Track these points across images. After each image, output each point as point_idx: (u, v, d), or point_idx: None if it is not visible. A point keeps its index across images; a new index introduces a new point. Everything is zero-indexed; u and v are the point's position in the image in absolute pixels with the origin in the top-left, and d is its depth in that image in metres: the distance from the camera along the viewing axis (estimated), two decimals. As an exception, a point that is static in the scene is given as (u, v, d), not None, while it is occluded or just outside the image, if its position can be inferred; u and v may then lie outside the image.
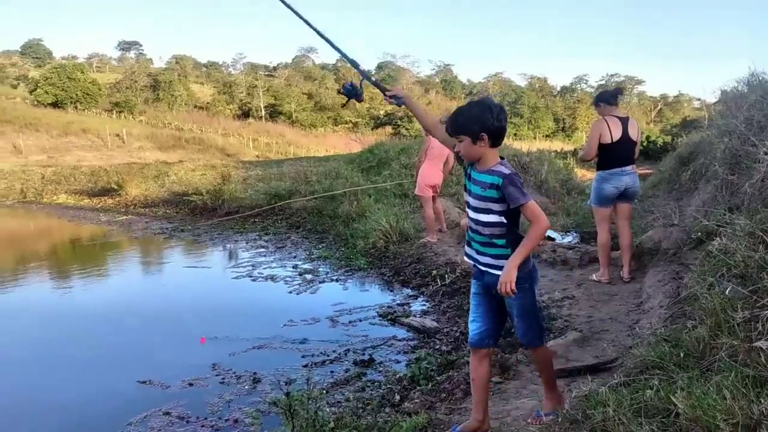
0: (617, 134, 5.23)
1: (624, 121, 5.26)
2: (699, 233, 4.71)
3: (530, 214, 2.45)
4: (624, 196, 5.39)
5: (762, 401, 1.79)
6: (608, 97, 5.43)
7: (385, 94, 2.75)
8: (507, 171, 2.47)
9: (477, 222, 2.59)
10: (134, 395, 4.17)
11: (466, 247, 2.76)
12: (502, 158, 2.55)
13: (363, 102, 2.88)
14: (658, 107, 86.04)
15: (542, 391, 3.21)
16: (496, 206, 2.50)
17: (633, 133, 5.27)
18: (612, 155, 5.29)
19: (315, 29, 2.86)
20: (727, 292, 2.62)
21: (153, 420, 3.76)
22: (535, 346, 2.73)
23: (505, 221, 2.52)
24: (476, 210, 2.57)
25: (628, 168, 5.31)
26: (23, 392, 4.33)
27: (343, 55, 2.82)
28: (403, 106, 2.79)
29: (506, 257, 2.50)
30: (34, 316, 6.49)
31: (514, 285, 2.41)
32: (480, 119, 2.44)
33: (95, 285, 8.16)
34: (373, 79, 2.78)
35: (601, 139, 5.28)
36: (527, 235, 2.48)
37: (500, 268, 2.51)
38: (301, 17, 2.85)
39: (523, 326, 2.65)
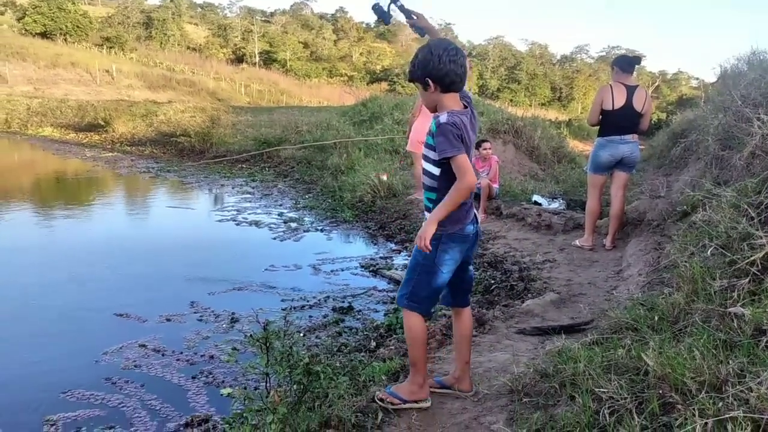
0: (620, 102, 5.15)
1: (630, 90, 5.16)
2: (684, 206, 4.73)
3: (456, 167, 2.25)
4: (621, 164, 5.35)
5: (730, 362, 1.81)
6: (623, 63, 5.28)
7: (410, 18, 2.67)
8: (444, 119, 2.27)
9: (423, 170, 2.47)
10: (111, 327, 4.18)
11: None
12: (467, 106, 2.39)
13: (391, 22, 2.77)
14: (656, 84, 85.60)
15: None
16: (431, 154, 2.37)
17: (637, 103, 5.16)
18: (612, 122, 5.22)
19: None
20: (708, 253, 2.64)
21: (128, 351, 3.77)
22: (399, 303, 2.53)
23: (436, 173, 2.37)
24: (423, 157, 2.47)
25: (628, 137, 5.24)
26: (0, 319, 4.32)
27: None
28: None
29: (429, 212, 2.41)
30: (14, 246, 6.44)
31: (428, 241, 2.25)
32: (422, 64, 2.30)
33: (77, 219, 8.09)
34: (399, 3, 2.68)
35: (603, 105, 5.22)
36: (449, 192, 2.27)
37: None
38: None
39: (404, 278, 2.51)
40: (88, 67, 40.79)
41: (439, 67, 2.28)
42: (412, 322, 2.48)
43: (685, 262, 2.94)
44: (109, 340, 3.90)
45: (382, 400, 2.53)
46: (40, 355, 3.74)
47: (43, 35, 47.08)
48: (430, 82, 2.30)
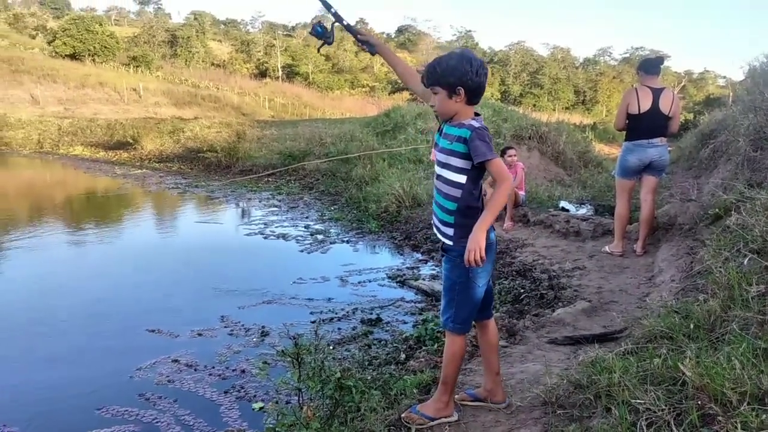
0: (646, 105, 5.08)
1: (656, 93, 5.08)
2: (717, 209, 4.63)
3: (496, 172, 2.23)
4: (650, 168, 5.26)
5: (772, 372, 1.77)
6: (647, 65, 5.22)
7: (357, 38, 2.57)
8: (477, 124, 2.27)
9: (438, 178, 2.40)
10: (143, 343, 4.24)
11: None
12: (477, 114, 2.35)
13: (331, 43, 2.64)
14: (682, 83, 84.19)
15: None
16: (458, 162, 2.30)
17: (664, 106, 5.07)
18: (639, 126, 5.15)
19: None
20: (745, 262, 2.58)
21: (161, 366, 3.82)
22: (445, 327, 2.46)
23: (461, 180, 2.32)
24: (440, 165, 2.38)
25: (656, 140, 5.15)
26: (34, 339, 4.41)
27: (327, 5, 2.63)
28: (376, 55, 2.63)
29: (450, 225, 2.35)
30: (45, 265, 6.59)
31: (483, 252, 2.15)
32: (458, 71, 2.22)
33: (107, 236, 8.24)
34: (345, 22, 2.58)
35: (629, 109, 5.15)
36: (493, 196, 2.23)
37: (445, 235, 2.38)
38: None
39: (443, 302, 2.44)
40: (115, 86, 41.70)
41: (475, 78, 2.24)
42: (457, 342, 2.44)
43: (720, 267, 2.88)
44: (142, 356, 3.96)
45: (408, 420, 2.49)
46: (75, 373, 3.81)
47: (72, 57, 48.29)
48: (462, 91, 2.25)
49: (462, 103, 2.29)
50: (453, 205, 2.35)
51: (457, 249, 2.32)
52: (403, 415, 2.51)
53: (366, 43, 2.58)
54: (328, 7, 2.58)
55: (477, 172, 2.32)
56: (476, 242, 2.16)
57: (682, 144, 11.70)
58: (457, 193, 2.34)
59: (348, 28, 2.58)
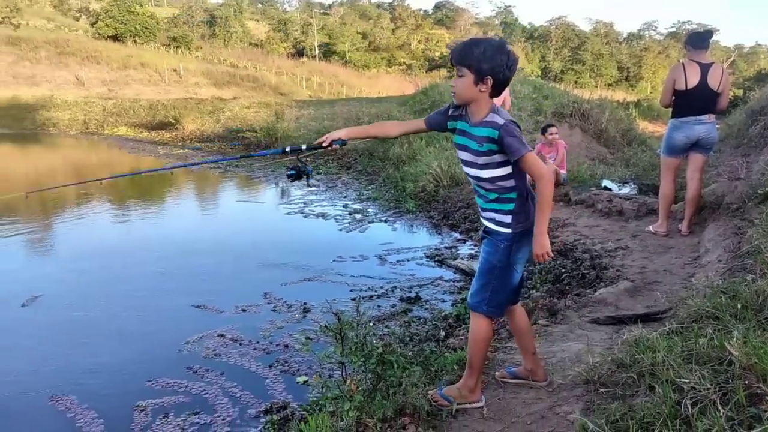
0: (694, 81, 4.92)
1: (705, 68, 4.91)
2: (766, 188, 4.50)
3: (531, 167, 2.19)
4: (697, 146, 5.11)
5: (824, 353, 1.74)
6: (695, 39, 5.02)
7: (324, 148, 2.53)
8: (501, 120, 2.19)
9: (480, 179, 2.33)
10: (190, 318, 4.39)
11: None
12: (495, 108, 2.26)
13: (311, 175, 2.71)
14: (732, 58, 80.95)
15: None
16: (498, 157, 2.24)
17: (713, 82, 4.89)
18: (686, 103, 5.00)
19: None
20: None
21: (208, 341, 3.96)
22: (478, 310, 2.39)
23: (512, 170, 2.26)
24: (479, 167, 2.30)
25: (704, 117, 4.99)
26: (92, 313, 4.60)
27: (273, 153, 2.82)
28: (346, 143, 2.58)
29: (509, 213, 2.31)
30: (98, 244, 6.83)
31: (550, 251, 2.22)
32: (493, 60, 2.15)
33: (153, 215, 8.49)
34: (304, 147, 2.62)
35: (675, 85, 5.00)
36: (540, 196, 2.21)
37: (501, 224, 2.33)
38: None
39: (477, 284, 2.39)
40: (156, 67, 42.43)
41: (507, 72, 2.19)
42: (484, 326, 2.41)
43: (770, 247, 2.82)
44: (189, 330, 4.11)
45: (434, 400, 2.49)
46: (127, 347, 3.98)
47: (115, 38, 49.24)
48: (490, 82, 2.18)
49: (485, 93, 2.22)
50: (513, 194, 2.31)
51: (510, 234, 2.31)
52: (430, 393, 2.52)
53: (333, 142, 2.53)
54: (287, 152, 2.65)
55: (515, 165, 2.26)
56: (544, 246, 2.21)
57: (730, 121, 11.30)
58: (511, 183, 2.30)
59: (309, 149, 2.62)
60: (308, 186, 2.64)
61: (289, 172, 2.67)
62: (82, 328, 4.26)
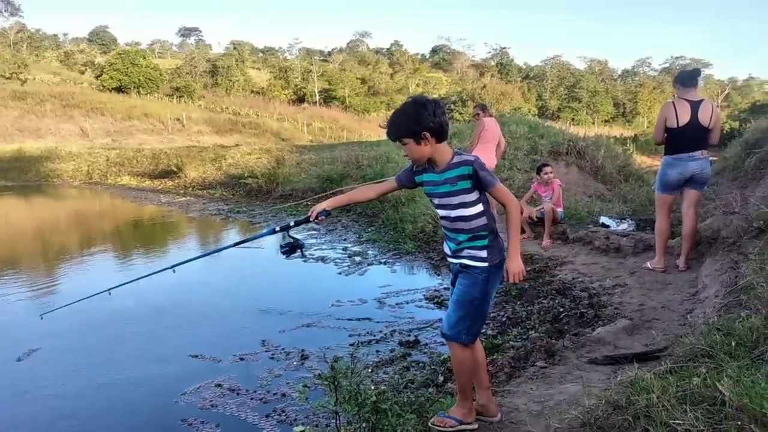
0: (684, 118, 5.00)
1: (695, 105, 4.99)
2: (761, 221, 4.52)
3: (502, 197, 2.40)
4: (691, 182, 5.16)
5: (813, 391, 1.73)
6: (683, 77, 5.14)
7: (311, 221, 2.68)
8: (471, 157, 2.41)
9: (459, 219, 2.46)
10: (187, 368, 4.35)
11: (445, 248, 2.66)
12: (456, 151, 2.46)
13: (304, 247, 2.80)
14: (726, 91, 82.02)
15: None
16: (470, 196, 2.42)
17: (704, 118, 4.97)
18: (678, 140, 5.07)
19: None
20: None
21: (205, 391, 3.92)
22: (458, 340, 2.51)
23: (483, 208, 2.45)
24: (453, 207, 2.46)
25: (697, 153, 5.06)
26: (84, 366, 4.58)
27: (264, 235, 2.96)
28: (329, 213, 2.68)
29: (484, 248, 2.45)
30: (93, 288, 6.82)
31: (524, 271, 2.41)
32: (417, 118, 2.35)
33: (153, 261, 8.50)
34: (291, 224, 2.77)
35: (667, 123, 5.08)
36: (510, 221, 2.42)
37: (477, 258, 2.46)
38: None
39: (456, 315, 2.50)
40: (160, 116, 43.16)
41: (435, 120, 2.36)
42: (467, 353, 2.55)
43: (762, 282, 2.82)
44: (186, 381, 4.07)
45: (439, 424, 2.59)
46: (121, 398, 3.93)
47: (119, 90, 50.26)
48: (428, 135, 2.36)
49: (432, 145, 2.40)
50: (485, 232, 2.47)
51: (487, 267, 2.46)
52: (433, 421, 2.61)
53: (319, 215, 2.65)
54: (273, 231, 2.81)
55: (485, 195, 2.46)
56: (518, 265, 2.41)
57: (726, 154, 11.36)
58: (483, 221, 2.47)
59: (297, 224, 2.78)
60: (303, 257, 2.77)
61: (282, 250, 2.75)
62: (76, 378, 4.23)
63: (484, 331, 4.66)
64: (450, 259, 2.63)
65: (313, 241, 9.03)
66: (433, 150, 2.41)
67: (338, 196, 2.80)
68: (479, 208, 2.45)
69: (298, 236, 2.77)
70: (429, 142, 2.39)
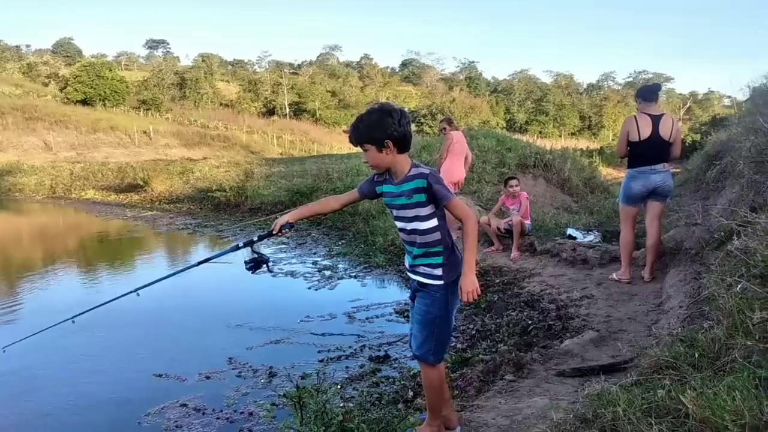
0: (646, 132, 5.11)
1: (656, 119, 5.11)
2: (721, 233, 4.62)
3: (460, 211, 2.36)
4: (654, 194, 5.26)
5: (772, 402, 1.75)
6: (644, 92, 5.28)
7: (274, 234, 2.66)
8: (427, 170, 2.39)
9: (413, 232, 2.46)
10: (151, 388, 4.23)
11: (405, 261, 2.65)
12: (415, 164, 2.45)
13: (269, 261, 2.77)
14: (687, 105, 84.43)
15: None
16: (425, 210, 2.41)
17: (665, 132, 5.09)
18: (641, 153, 5.17)
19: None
20: (738, 288, 2.57)
21: (170, 411, 3.81)
22: (426, 361, 2.52)
23: (438, 223, 2.43)
24: (408, 219, 2.45)
25: (659, 166, 5.17)
26: (43, 384, 4.42)
27: (228, 252, 2.87)
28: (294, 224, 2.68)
29: (439, 266, 2.44)
30: (57, 309, 6.63)
31: (478, 288, 2.33)
32: (381, 125, 2.33)
33: (117, 278, 8.31)
34: (255, 239, 2.74)
35: (629, 137, 5.19)
36: (466, 236, 2.36)
37: (432, 276, 2.45)
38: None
39: (421, 336, 2.49)
40: (126, 129, 42.50)
41: (399, 129, 2.35)
42: (436, 372, 2.54)
43: (723, 293, 2.87)
44: (150, 400, 3.95)
45: None
46: (84, 419, 3.81)
47: (84, 102, 49.37)
48: (390, 144, 2.35)
49: (393, 155, 2.39)
50: (440, 248, 2.45)
51: (444, 285, 2.45)
52: None
53: (282, 228, 2.64)
54: (236, 248, 2.77)
55: (442, 210, 2.44)
56: (473, 283, 2.33)
57: (689, 166, 11.67)
58: (437, 236, 2.44)
59: (260, 239, 2.75)
60: (270, 272, 2.72)
61: (247, 266, 2.71)
62: (34, 398, 4.09)
63: (453, 344, 4.66)
64: (408, 273, 2.61)
65: (283, 255, 8.94)
66: (393, 160, 2.40)
67: (300, 208, 2.77)
68: (434, 222, 2.42)
69: (265, 251, 2.71)
70: (391, 151, 2.37)
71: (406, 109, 2.46)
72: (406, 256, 2.59)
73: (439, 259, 2.44)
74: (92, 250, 11.13)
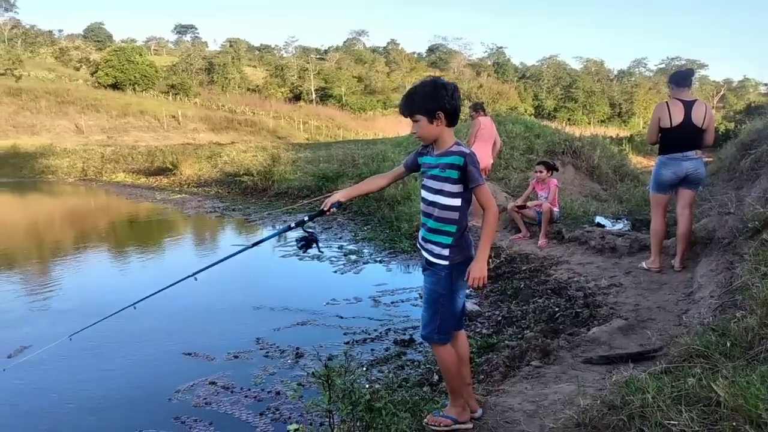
0: (678, 118, 5.00)
1: (688, 105, 5.00)
2: (756, 222, 4.52)
3: (484, 198, 2.39)
4: (685, 182, 5.16)
5: (808, 392, 1.72)
6: (677, 77, 5.15)
7: (325, 213, 2.65)
8: (467, 150, 2.42)
9: (434, 204, 2.48)
10: (181, 366, 4.33)
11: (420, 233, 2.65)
12: (458, 142, 2.48)
13: (319, 241, 2.78)
14: (721, 93, 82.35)
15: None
16: (453, 187, 2.42)
17: (697, 118, 4.97)
18: (672, 140, 5.07)
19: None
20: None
21: (199, 389, 3.90)
22: (431, 340, 2.56)
23: (456, 204, 2.43)
24: (434, 191, 2.47)
25: (691, 153, 5.06)
26: (77, 363, 4.55)
27: (282, 232, 2.99)
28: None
29: (447, 246, 2.45)
30: (89, 288, 6.80)
31: (486, 277, 2.36)
32: (435, 97, 2.37)
33: (147, 260, 8.47)
34: (306, 218, 2.77)
35: (660, 123, 5.08)
36: (486, 224, 2.39)
37: (439, 256, 2.46)
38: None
39: (427, 314, 2.53)
40: (155, 113, 43.06)
41: (452, 102, 2.38)
42: (446, 353, 2.56)
43: (758, 283, 2.82)
44: (180, 378, 4.05)
45: (434, 423, 2.59)
46: (115, 395, 3.91)
47: (114, 86, 50.10)
48: (442, 115, 2.37)
49: (442, 127, 2.41)
50: (452, 228, 2.46)
51: (449, 265, 2.46)
52: (427, 419, 2.62)
53: (332, 207, 2.65)
54: (289, 228, 2.83)
55: (469, 194, 2.44)
56: (481, 271, 2.36)
57: (722, 155, 11.40)
58: (455, 215, 2.46)
59: (311, 218, 2.79)
60: (319, 251, 2.79)
61: (299, 244, 2.74)
62: (68, 376, 4.21)
63: (479, 329, 4.66)
64: (420, 246, 2.62)
65: (309, 239, 9.00)
66: (441, 132, 2.42)
67: (351, 188, 2.79)
68: (456, 202, 2.43)
69: (310, 231, 2.74)
70: (441, 123, 2.39)
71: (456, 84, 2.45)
72: (421, 229, 2.61)
73: (449, 239, 2.46)
74: (122, 232, 11.35)
